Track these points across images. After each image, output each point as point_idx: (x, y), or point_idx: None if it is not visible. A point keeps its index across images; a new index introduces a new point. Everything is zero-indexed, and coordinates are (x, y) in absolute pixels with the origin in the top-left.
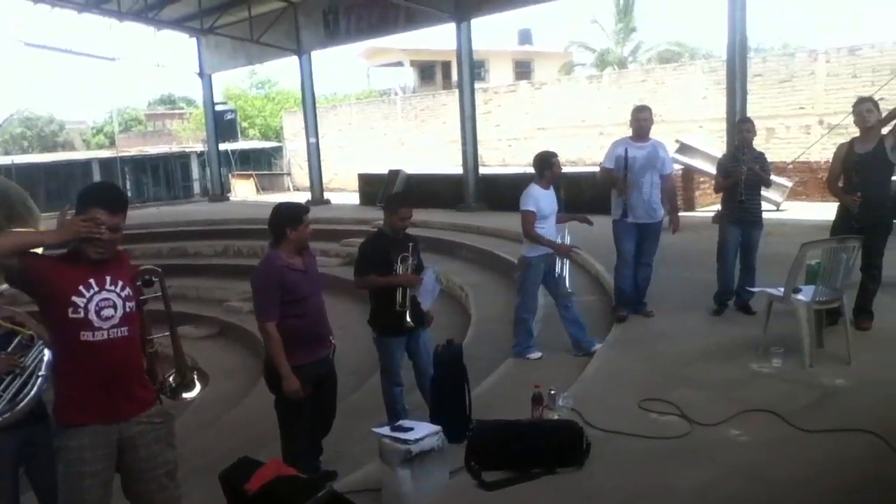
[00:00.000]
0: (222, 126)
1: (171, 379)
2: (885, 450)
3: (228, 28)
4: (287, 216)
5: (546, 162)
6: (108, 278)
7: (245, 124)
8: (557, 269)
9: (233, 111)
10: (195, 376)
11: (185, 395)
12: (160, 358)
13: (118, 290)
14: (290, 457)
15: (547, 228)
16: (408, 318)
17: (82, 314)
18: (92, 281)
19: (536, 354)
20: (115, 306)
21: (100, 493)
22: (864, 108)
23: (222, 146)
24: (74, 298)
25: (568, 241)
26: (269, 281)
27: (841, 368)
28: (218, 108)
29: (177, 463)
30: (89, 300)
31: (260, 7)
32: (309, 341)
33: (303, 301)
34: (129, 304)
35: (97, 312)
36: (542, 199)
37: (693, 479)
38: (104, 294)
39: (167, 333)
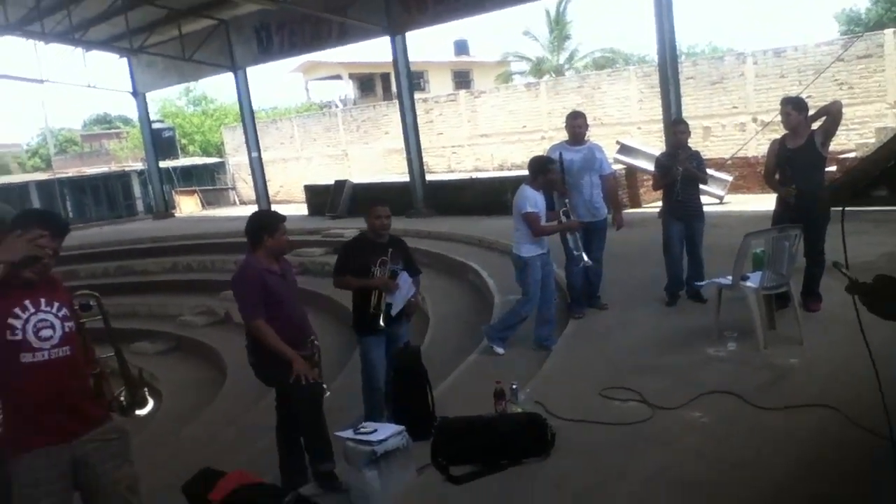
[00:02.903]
0: (161, 144)
1: (121, 397)
2: (841, 422)
3: (159, 46)
4: (263, 223)
5: (541, 168)
6: (42, 300)
7: (184, 141)
8: (571, 244)
9: (171, 129)
10: (146, 392)
11: (138, 412)
12: (107, 378)
13: (54, 310)
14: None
15: None
16: (381, 321)
17: (20, 335)
18: (27, 303)
19: (501, 350)
20: (52, 327)
21: None
22: (783, 111)
23: (163, 164)
24: (11, 321)
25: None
26: (250, 282)
27: (794, 349)
28: (155, 126)
29: (137, 477)
30: (26, 321)
31: (190, 25)
32: (287, 342)
33: (281, 303)
34: (68, 325)
35: (35, 333)
36: (538, 200)
37: (657, 462)
38: (41, 315)
39: (112, 354)
